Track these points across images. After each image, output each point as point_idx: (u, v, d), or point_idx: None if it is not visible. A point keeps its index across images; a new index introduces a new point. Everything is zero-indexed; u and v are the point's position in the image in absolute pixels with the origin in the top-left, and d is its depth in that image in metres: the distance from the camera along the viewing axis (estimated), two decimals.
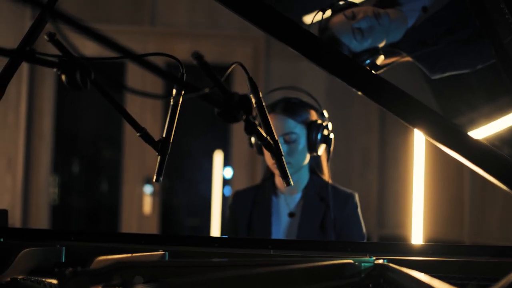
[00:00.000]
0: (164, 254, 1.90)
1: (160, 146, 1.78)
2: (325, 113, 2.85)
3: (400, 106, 1.68)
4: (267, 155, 2.81)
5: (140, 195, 6.06)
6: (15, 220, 5.75)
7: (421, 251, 2.01)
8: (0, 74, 1.81)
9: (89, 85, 1.54)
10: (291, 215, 2.86)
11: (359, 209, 2.88)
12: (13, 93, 5.81)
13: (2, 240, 2.18)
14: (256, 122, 1.59)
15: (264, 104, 1.71)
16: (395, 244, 2.06)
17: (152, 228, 6.03)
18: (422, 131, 1.73)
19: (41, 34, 1.69)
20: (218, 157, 6.56)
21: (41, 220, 5.93)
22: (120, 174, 6.15)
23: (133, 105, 5.76)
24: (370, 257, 1.77)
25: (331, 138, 2.81)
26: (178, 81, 1.44)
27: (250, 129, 1.58)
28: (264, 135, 1.65)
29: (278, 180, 2.89)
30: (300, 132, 2.79)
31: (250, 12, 1.70)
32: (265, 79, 6.05)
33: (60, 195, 6.49)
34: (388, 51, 2.72)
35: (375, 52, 2.64)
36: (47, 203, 5.99)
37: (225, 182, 6.48)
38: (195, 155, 7.01)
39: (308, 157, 2.85)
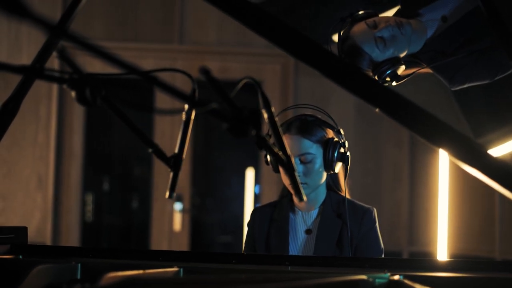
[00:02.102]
0: (178, 271, 1.89)
1: (172, 162, 1.77)
2: (341, 131, 2.81)
3: (424, 126, 1.65)
4: (283, 174, 2.79)
5: (170, 212, 6.06)
6: (45, 238, 5.79)
7: (440, 267, 1.98)
8: (14, 92, 1.81)
9: (99, 102, 1.54)
10: (308, 231, 2.84)
11: (377, 224, 2.84)
12: (43, 112, 5.87)
13: (20, 257, 2.18)
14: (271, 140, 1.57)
15: (276, 119, 1.70)
16: (413, 260, 2.03)
17: (182, 245, 6.03)
18: (446, 151, 1.69)
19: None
20: (249, 174, 6.55)
21: (72, 238, 5.96)
22: (150, 192, 6.17)
23: (163, 122, 5.79)
24: (385, 273, 1.75)
25: (348, 156, 2.77)
26: (184, 96, 1.44)
27: (261, 145, 1.57)
28: (276, 150, 1.63)
29: (295, 197, 2.86)
30: (316, 152, 2.76)
31: (275, 36, 1.68)
32: (294, 95, 6.04)
33: (92, 212, 6.52)
34: (408, 62, 2.69)
35: (397, 61, 2.61)
36: (78, 221, 6.02)
37: (257, 199, 6.47)
38: (226, 173, 7.02)
39: (325, 175, 2.82)
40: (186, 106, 1.78)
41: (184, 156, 1.80)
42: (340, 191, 2.90)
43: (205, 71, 1.46)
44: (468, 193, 5.45)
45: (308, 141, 2.75)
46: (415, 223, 6.06)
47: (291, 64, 6.04)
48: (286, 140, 2.78)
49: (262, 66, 6.19)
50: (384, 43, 2.58)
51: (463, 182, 5.50)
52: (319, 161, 2.76)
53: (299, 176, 2.74)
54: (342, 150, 2.76)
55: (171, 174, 1.79)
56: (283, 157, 1.67)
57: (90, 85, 1.52)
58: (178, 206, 6.06)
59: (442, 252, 5.45)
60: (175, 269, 1.88)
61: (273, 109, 1.70)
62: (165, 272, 1.83)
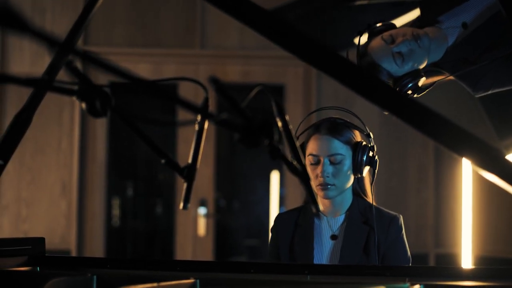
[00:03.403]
0: (195, 282, 1.86)
1: (186, 172, 1.74)
2: (371, 135, 2.78)
3: (446, 136, 1.61)
4: (310, 175, 2.76)
5: (195, 217, 6.05)
6: (70, 245, 5.80)
7: (463, 275, 1.93)
8: (26, 103, 1.80)
9: (109, 113, 1.52)
10: (333, 237, 2.80)
11: (403, 232, 2.80)
12: (66, 119, 5.88)
13: (38, 268, 2.17)
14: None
15: (290, 127, 1.66)
16: (435, 267, 1.99)
17: (207, 250, 6.01)
18: (469, 160, 1.65)
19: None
20: (274, 177, 6.53)
21: (97, 244, 5.97)
22: (174, 196, 6.16)
23: (186, 128, 5.78)
24: (405, 283, 1.71)
25: (376, 160, 2.74)
26: (195, 108, 1.41)
27: (275, 154, 1.53)
28: (290, 159, 1.60)
29: (321, 202, 2.83)
30: (345, 153, 2.73)
31: (292, 45, 1.65)
32: (317, 99, 6.01)
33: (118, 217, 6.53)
34: (429, 71, 2.64)
35: (417, 74, 2.55)
36: (103, 227, 6.02)
37: (282, 202, 6.44)
38: (251, 176, 7.00)
39: (352, 179, 2.78)
40: (199, 117, 1.75)
41: (198, 166, 1.77)
42: (366, 197, 2.86)
43: (214, 80, 1.43)
44: (494, 194, 5.38)
45: (338, 141, 2.73)
46: (441, 225, 5.99)
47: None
48: (315, 141, 2.77)
49: (284, 69, 6.15)
50: (402, 58, 2.53)
51: (488, 183, 5.43)
52: (348, 163, 2.73)
53: (327, 177, 2.71)
54: (370, 154, 2.73)
55: (185, 185, 1.76)
56: (298, 166, 1.64)
57: (100, 96, 1.50)
58: (202, 210, 6.04)
59: (467, 254, 5.38)
60: (191, 280, 1.85)
61: (287, 117, 1.66)
62: (180, 284, 1.80)
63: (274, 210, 6.45)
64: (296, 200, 6.02)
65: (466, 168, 5.45)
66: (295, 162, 1.63)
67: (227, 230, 6.79)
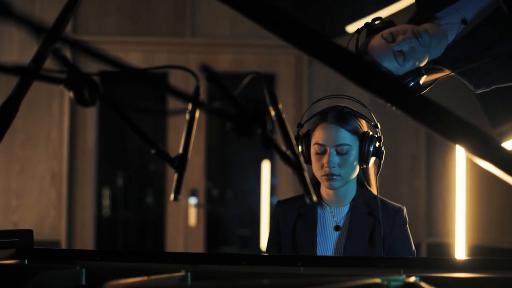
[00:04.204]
0: (186, 275, 1.82)
1: (177, 163, 1.70)
2: (378, 125, 2.71)
3: (440, 123, 1.57)
4: (315, 164, 2.72)
5: (186, 207, 6.01)
6: (60, 235, 5.76)
7: (458, 266, 1.90)
8: (12, 93, 1.75)
9: (98, 102, 1.47)
10: (337, 228, 2.74)
11: (407, 225, 2.75)
12: (56, 108, 5.83)
13: (26, 261, 2.13)
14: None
15: (283, 116, 1.62)
16: (430, 259, 1.96)
17: (198, 240, 5.98)
18: (462, 147, 1.61)
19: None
20: (265, 166, 6.50)
21: (87, 235, 5.93)
22: (165, 186, 6.12)
23: (178, 119, 5.73)
24: (401, 276, 1.67)
25: (383, 151, 2.68)
26: (186, 96, 1.37)
27: (268, 144, 1.49)
28: (284, 149, 1.56)
29: (324, 191, 2.78)
30: (352, 143, 2.67)
31: (286, 32, 1.60)
32: (308, 87, 5.97)
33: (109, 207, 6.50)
34: (430, 69, 2.59)
35: (418, 73, 2.50)
36: (93, 218, 5.98)
37: (273, 191, 6.41)
38: (242, 166, 6.96)
39: (357, 169, 2.72)
40: (190, 106, 1.70)
41: (189, 156, 1.73)
42: (371, 187, 2.81)
43: (205, 68, 1.39)
44: (487, 182, 5.36)
45: (346, 131, 2.67)
46: (433, 214, 5.98)
47: (305, 55, 5.96)
48: (321, 130, 2.70)
49: (276, 58, 6.12)
50: (403, 57, 2.48)
51: (481, 172, 5.42)
52: (354, 153, 2.67)
53: (333, 167, 2.65)
54: (377, 144, 2.68)
55: (176, 176, 1.72)
56: (291, 156, 1.60)
57: (88, 85, 1.46)
58: (193, 200, 6.00)
59: (460, 243, 5.37)
60: (182, 273, 1.81)
61: (280, 106, 1.62)
62: (171, 277, 1.76)
63: (265, 200, 6.43)
64: (288, 190, 5.99)
65: (460, 157, 5.43)
66: (288, 152, 1.58)
67: (218, 220, 6.76)
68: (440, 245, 5.82)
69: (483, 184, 5.43)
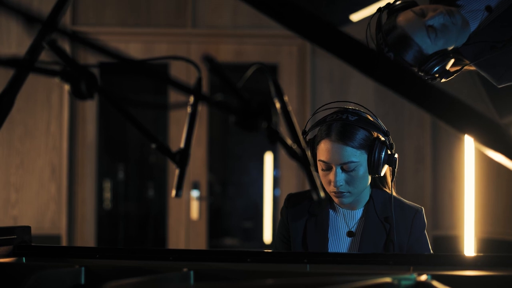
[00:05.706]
0: (188, 274, 1.75)
1: (178, 157, 1.64)
2: (389, 132, 2.55)
3: (448, 112, 1.50)
4: (322, 179, 2.54)
5: (187, 200, 5.95)
6: (61, 229, 5.70)
7: (472, 263, 1.83)
8: (7, 86, 1.68)
9: (95, 95, 1.41)
10: (350, 234, 2.60)
11: (425, 228, 2.63)
12: (55, 101, 5.76)
13: (24, 259, 2.07)
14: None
15: (289, 108, 1.55)
16: (440, 255, 1.89)
17: (200, 233, 5.92)
18: (472, 137, 1.55)
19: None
20: (268, 159, 6.45)
21: (88, 228, 5.87)
22: (166, 179, 6.06)
23: (179, 112, 5.66)
24: (411, 274, 1.61)
25: (395, 159, 2.53)
26: (187, 89, 1.31)
27: (274, 138, 1.42)
28: (289, 143, 1.49)
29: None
30: (359, 158, 2.50)
31: (292, 21, 1.53)
32: (311, 78, 5.90)
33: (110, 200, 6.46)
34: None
35: (446, 55, 2.38)
36: (93, 211, 5.92)
37: (276, 184, 6.36)
38: (244, 158, 6.91)
39: (369, 178, 2.58)
40: (192, 99, 1.63)
41: (190, 150, 1.66)
42: (386, 188, 2.67)
43: (208, 59, 1.32)
44: (494, 174, 5.30)
45: (351, 148, 2.50)
46: (439, 206, 5.91)
47: (308, 45, 5.89)
48: (325, 147, 2.53)
49: (278, 48, 6.04)
50: (435, 33, 2.37)
51: (488, 163, 5.35)
52: (363, 168, 2.52)
53: (341, 185, 2.52)
54: (388, 152, 2.53)
55: (178, 171, 1.66)
56: (297, 150, 1.53)
57: (85, 77, 1.39)
58: (195, 193, 5.94)
59: (469, 236, 5.31)
60: (184, 271, 1.75)
61: (285, 98, 1.55)
62: (173, 276, 1.70)
63: (268, 192, 6.38)
64: (291, 182, 5.93)
65: (468, 148, 5.36)
66: (295, 146, 1.52)
67: (220, 213, 6.71)
68: (446, 238, 5.76)
69: (490, 176, 5.37)
